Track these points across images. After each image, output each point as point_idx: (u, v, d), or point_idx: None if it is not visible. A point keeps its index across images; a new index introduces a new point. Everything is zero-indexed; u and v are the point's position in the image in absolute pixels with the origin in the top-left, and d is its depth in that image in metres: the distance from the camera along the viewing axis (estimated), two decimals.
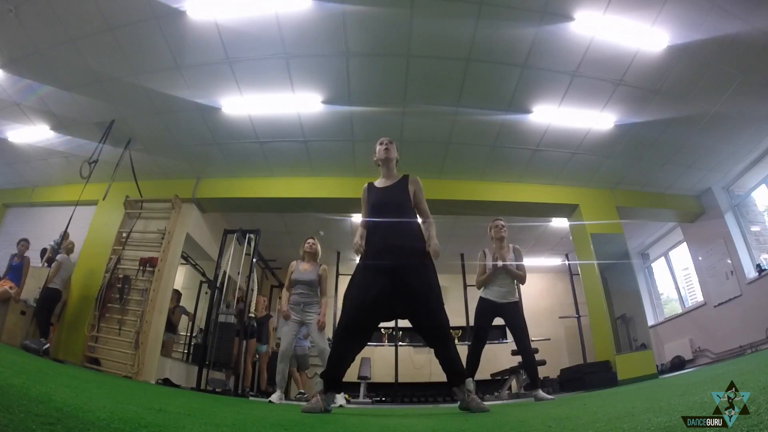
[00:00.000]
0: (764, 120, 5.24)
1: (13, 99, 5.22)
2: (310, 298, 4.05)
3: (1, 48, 4.52)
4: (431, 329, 2.25)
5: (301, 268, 4.14)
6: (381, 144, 2.67)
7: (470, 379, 2.20)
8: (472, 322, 4.24)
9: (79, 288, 5.78)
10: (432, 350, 2.26)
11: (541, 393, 3.49)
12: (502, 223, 3.89)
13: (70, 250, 5.59)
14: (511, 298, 3.70)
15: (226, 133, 5.57)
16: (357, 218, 7.38)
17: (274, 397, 3.87)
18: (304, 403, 2.41)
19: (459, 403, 2.25)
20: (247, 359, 5.94)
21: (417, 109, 5.11)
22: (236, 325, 5.67)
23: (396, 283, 2.24)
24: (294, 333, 4.00)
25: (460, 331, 8.14)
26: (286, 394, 4.64)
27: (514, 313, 3.69)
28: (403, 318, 2.31)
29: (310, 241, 4.30)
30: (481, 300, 3.75)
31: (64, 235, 5.47)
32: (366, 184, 2.68)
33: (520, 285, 3.86)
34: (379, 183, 2.63)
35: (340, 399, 3.91)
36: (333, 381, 2.15)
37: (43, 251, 6.00)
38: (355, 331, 2.22)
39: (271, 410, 2.16)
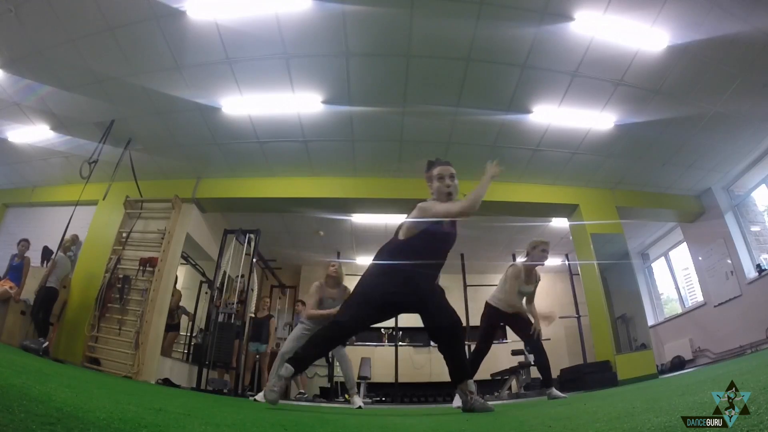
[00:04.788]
0: (764, 120, 5.24)
1: (13, 99, 5.21)
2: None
3: (1, 48, 4.51)
4: (439, 327, 2.27)
5: (330, 298, 3.85)
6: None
7: (471, 380, 2.20)
8: (472, 322, 4.24)
9: (79, 288, 5.77)
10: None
11: (554, 391, 3.52)
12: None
13: (67, 249, 5.58)
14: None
15: (226, 133, 5.57)
16: (357, 218, 7.38)
17: (260, 396, 3.72)
18: (303, 403, 2.43)
19: (462, 405, 2.24)
20: (240, 359, 5.87)
21: (417, 109, 5.11)
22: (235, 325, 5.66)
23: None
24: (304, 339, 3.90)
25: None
26: (286, 394, 4.60)
27: (519, 318, 3.79)
28: (410, 312, 2.33)
29: (335, 265, 3.92)
30: (489, 307, 3.80)
31: (64, 235, 5.46)
32: None
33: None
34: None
35: (358, 401, 3.88)
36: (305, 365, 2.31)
37: (45, 252, 5.98)
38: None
39: (271, 410, 2.16)
